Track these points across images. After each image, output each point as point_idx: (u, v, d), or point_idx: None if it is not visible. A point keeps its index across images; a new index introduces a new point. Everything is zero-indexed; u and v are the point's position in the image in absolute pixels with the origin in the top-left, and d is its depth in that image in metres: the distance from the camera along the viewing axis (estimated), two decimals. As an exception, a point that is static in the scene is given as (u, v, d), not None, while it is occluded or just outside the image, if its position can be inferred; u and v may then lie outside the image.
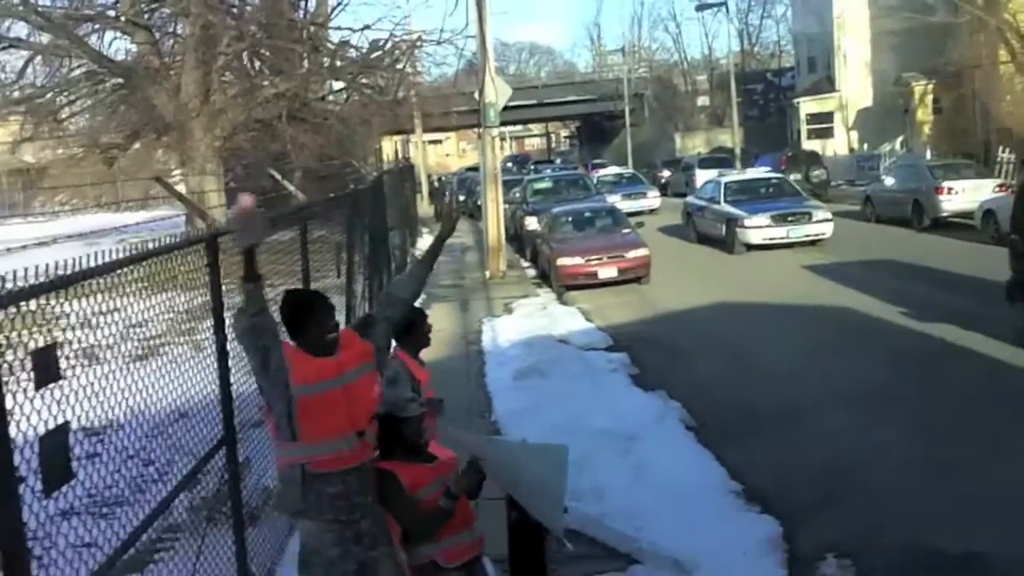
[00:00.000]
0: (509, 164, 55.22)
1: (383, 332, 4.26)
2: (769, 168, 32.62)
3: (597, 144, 71.33)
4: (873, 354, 11.35)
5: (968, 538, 6.29)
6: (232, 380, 5.53)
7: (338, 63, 22.63)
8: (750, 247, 20.79)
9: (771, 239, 20.61)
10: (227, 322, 5.56)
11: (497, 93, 18.58)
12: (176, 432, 4.72)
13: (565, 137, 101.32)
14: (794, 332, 13.12)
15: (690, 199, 25.67)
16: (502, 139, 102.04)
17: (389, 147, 52.28)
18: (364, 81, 23.90)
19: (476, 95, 19.34)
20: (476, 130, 77.16)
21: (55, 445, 3.32)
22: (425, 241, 27.68)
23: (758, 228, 20.70)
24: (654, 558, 6.34)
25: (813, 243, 20.71)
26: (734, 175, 26.61)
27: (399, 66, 23.62)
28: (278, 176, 19.83)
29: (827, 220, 20.97)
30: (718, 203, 22.58)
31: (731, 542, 6.46)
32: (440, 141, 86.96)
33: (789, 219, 20.79)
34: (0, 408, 2.94)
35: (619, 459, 7.96)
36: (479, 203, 38.30)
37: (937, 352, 11.16)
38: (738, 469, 7.87)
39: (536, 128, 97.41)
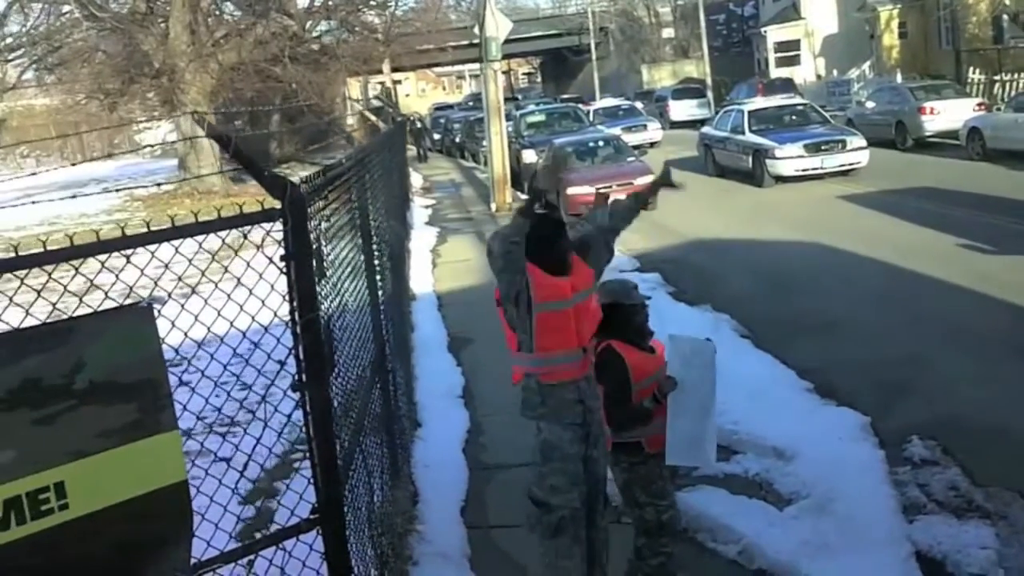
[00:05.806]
0: (470, 103, 54.85)
1: (602, 258, 4.50)
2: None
3: (562, 79, 71.21)
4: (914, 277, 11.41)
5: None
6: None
7: (331, 2, 22.58)
8: (780, 179, 19.55)
9: (804, 170, 19.30)
10: (374, 238, 5.92)
11: (498, 27, 18.72)
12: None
13: (524, 74, 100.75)
14: (832, 259, 12.75)
15: (707, 130, 23.86)
16: (459, 78, 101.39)
17: (353, 89, 52.07)
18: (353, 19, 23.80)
19: (476, 30, 19.44)
20: (434, 71, 75.62)
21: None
22: (416, 180, 27.85)
23: (790, 159, 19.40)
24: (755, 447, 6.82)
25: (845, 173, 19.37)
26: (758, 102, 25.38)
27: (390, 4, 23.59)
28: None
29: (862, 148, 19.56)
30: (742, 133, 21.15)
31: (823, 431, 6.92)
32: (400, 82, 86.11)
33: (823, 148, 19.49)
34: (312, 296, 3.32)
35: (696, 362, 8.39)
36: (456, 140, 38.44)
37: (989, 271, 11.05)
38: (802, 369, 8.37)
39: (496, 65, 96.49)
